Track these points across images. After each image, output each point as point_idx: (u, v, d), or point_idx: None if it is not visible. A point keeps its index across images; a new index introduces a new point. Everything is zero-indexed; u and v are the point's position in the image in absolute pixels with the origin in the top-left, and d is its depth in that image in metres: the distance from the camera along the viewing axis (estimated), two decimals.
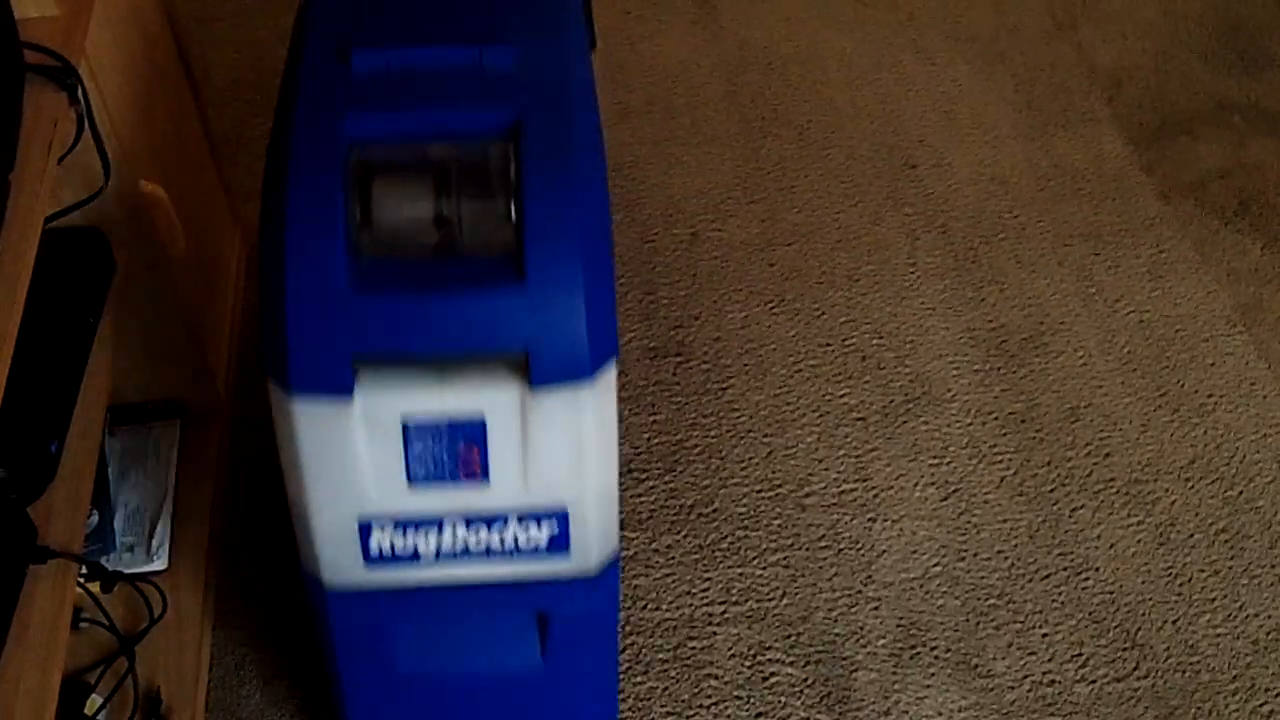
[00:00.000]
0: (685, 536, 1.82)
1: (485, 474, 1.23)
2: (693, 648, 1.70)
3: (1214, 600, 1.76)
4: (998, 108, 2.51)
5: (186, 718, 1.56)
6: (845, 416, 1.97)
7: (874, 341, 2.08)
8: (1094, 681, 1.67)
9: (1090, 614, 1.74)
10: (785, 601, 1.75)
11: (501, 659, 1.45)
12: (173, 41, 1.87)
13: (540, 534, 1.29)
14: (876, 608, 1.74)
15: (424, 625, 1.42)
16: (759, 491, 1.87)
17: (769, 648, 1.70)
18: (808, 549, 1.80)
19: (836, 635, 1.72)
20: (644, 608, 1.74)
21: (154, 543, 1.68)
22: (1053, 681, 1.67)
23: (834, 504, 1.86)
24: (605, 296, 1.18)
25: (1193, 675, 1.68)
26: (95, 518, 1.65)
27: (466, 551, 1.29)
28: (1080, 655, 1.70)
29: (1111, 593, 1.76)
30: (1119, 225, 2.28)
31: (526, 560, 1.31)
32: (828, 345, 2.07)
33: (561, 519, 1.28)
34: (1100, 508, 1.86)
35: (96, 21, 1.42)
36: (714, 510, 1.85)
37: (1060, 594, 1.76)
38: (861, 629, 1.72)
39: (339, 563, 1.29)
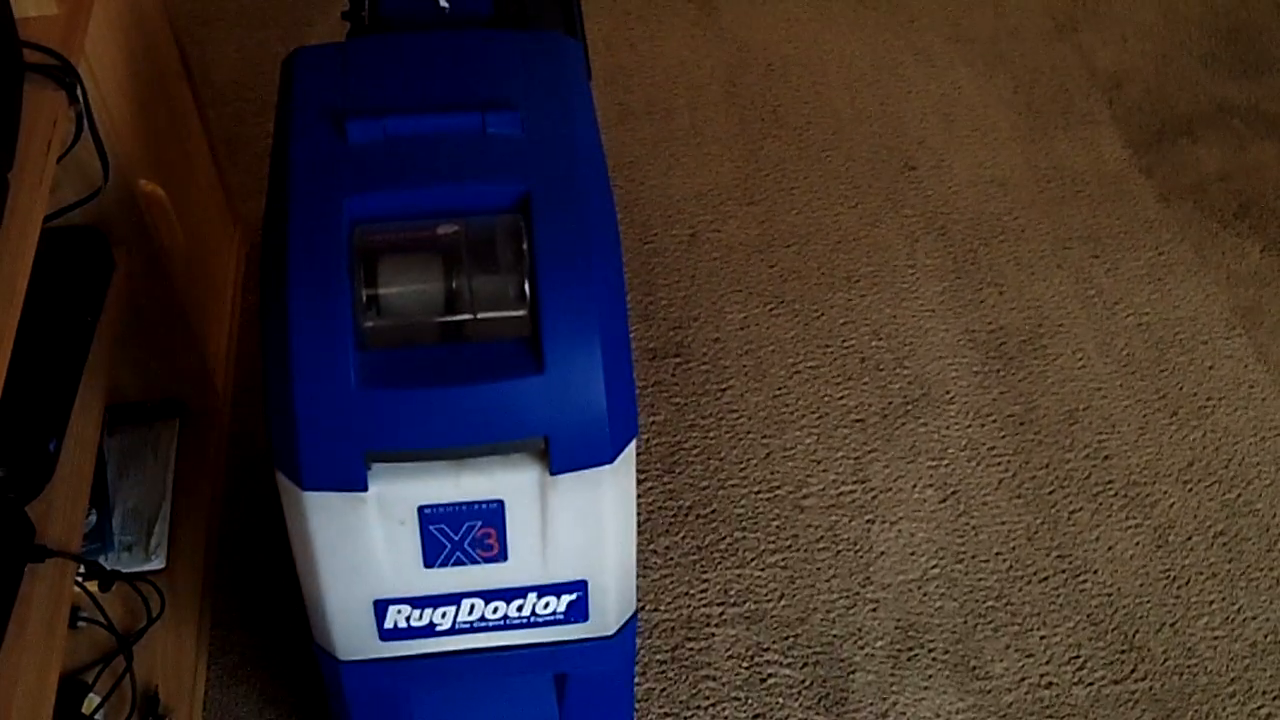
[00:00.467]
0: (683, 537, 1.82)
1: (504, 554, 1.21)
2: (690, 649, 1.70)
3: (1212, 603, 1.76)
4: (997, 110, 2.51)
5: (184, 717, 1.56)
6: (844, 418, 1.97)
7: (873, 343, 2.08)
8: (1092, 684, 1.67)
9: (1088, 616, 1.74)
10: (783, 603, 1.75)
11: (518, 715, 1.44)
12: (172, 41, 1.87)
13: (559, 604, 1.27)
14: (874, 609, 1.74)
15: (440, 692, 1.40)
16: (757, 493, 1.87)
17: (767, 649, 1.70)
18: (806, 550, 1.80)
19: (834, 637, 1.72)
20: (641, 608, 1.74)
21: (152, 542, 1.68)
22: (1050, 684, 1.67)
23: (832, 505, 1.86)
24: (625, 377, 1.14)
25: (1190, 678, 1.68)
26: (94, 517, 1.65)
27: (484, 622, 1.27)
28: (1078, 657, 1.70)
29: (1109, 595, 1.77)
30: (1118, 228, 2.28)
31: (545, 628, 1.29)
32: (827, 347, 2.07)
33: (580, 589, 1.26)
34: (1099, 510, 1.86)
35: (96, 21, 1.42)
36: (712, 511, 1.85)
37: (1058, 596, 1.76)
38: (859, 630, 1.72)
39: (353, 639, 1.27)
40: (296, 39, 2.63)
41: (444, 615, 1.26)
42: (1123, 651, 1.71)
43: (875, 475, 1.90)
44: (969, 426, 1.96)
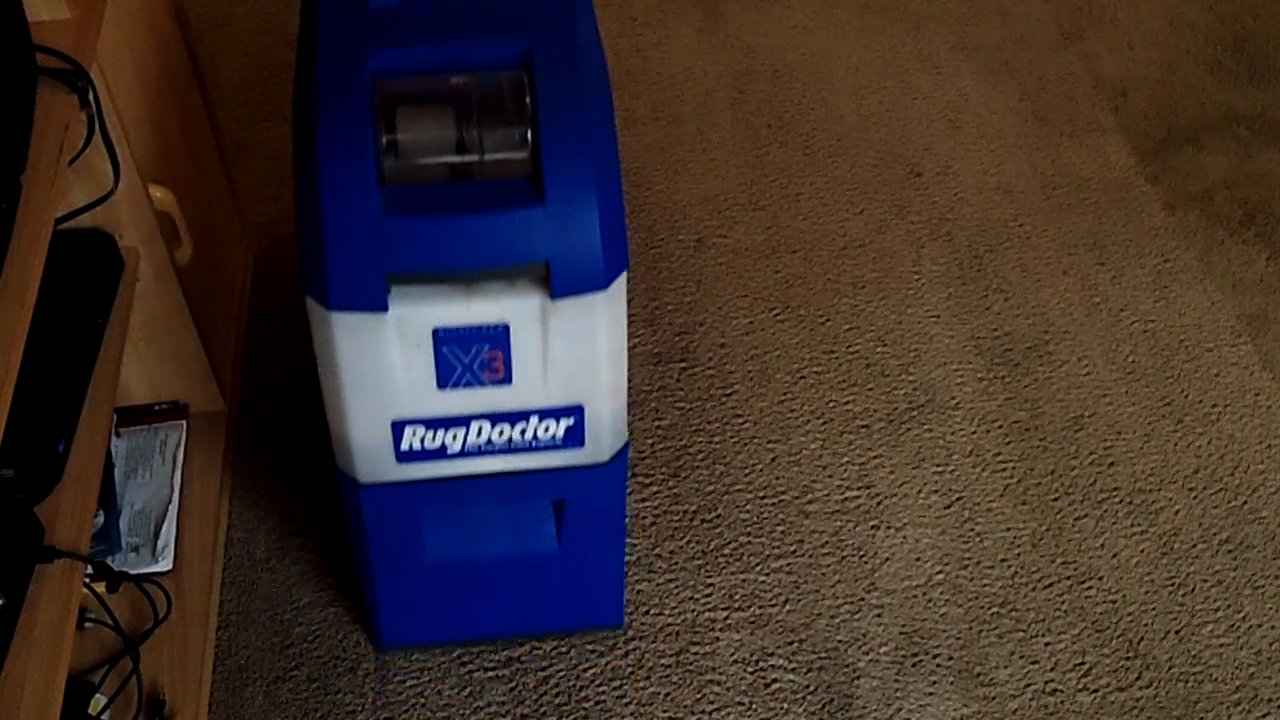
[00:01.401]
0: (688, 542, 1.82)
1: (509, 377, 1.35)
2: (695, 653, 1.70)
3: (1217, 610, 1.76)
4: (1003, 117, 2.52)
5: (190, 718, 1.56)
6: (849, 424, 1.97)
7: (878, 349, 2.08)
8: (1096, 691, 1.68)
9: (1093, 623, 1.74)
10: (788, 608, 1.75)
11: (521, 545, 1.59)
12: (183, 45, 1.88)
13: (558, 428, 1.41)
14: (879, 615, 1.75)
15: (450, 515, 1.55)
16: (762, 498, 1.87)
17: (771, 654, 1.71)
18: (810, 556, 1.81)
19: (839, 642, 1.72)
20: (646, 613, 1.74)
21: (159, 543, 1.68)
22: (1055, 690, 1.68)
23: (837, 511, 1.86)
24: (617, 213, 1.29)
25: (1195, 685, 1.68)
26: (101, 518, 1.66)
27: (490, 445, 1.41)
28: (1083, 664, 1.70)
29: (1114, 602, 1.77)
30: (1124, 235, 2.28)
31: (545, 452, 1.43)
32: (832, 352, 2.07)
33: (578, 414, 1.40)
34: (1104, 517, 1.86)
35: (108, 25, 1.42)
36: (717, 516, 1.85)
37: (1063, 603, 1.76)
38: (864, 636, 1.72)
39: (373, 461, 1.41)
40: None
41: (455, 437, 1.39)
42: (1128, 659, 1.71)
43: (880, 481, 1.90)
44: (974, 433, 1.96)
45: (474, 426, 1.39)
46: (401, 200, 1.23)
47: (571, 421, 1.40)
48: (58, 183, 1.25)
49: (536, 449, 1.42)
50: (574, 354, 1.34)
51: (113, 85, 1.45)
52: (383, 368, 1.31)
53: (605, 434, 1.43)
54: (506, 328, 1.30)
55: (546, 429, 1.40)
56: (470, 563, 1.60)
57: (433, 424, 1.37)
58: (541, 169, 1.24)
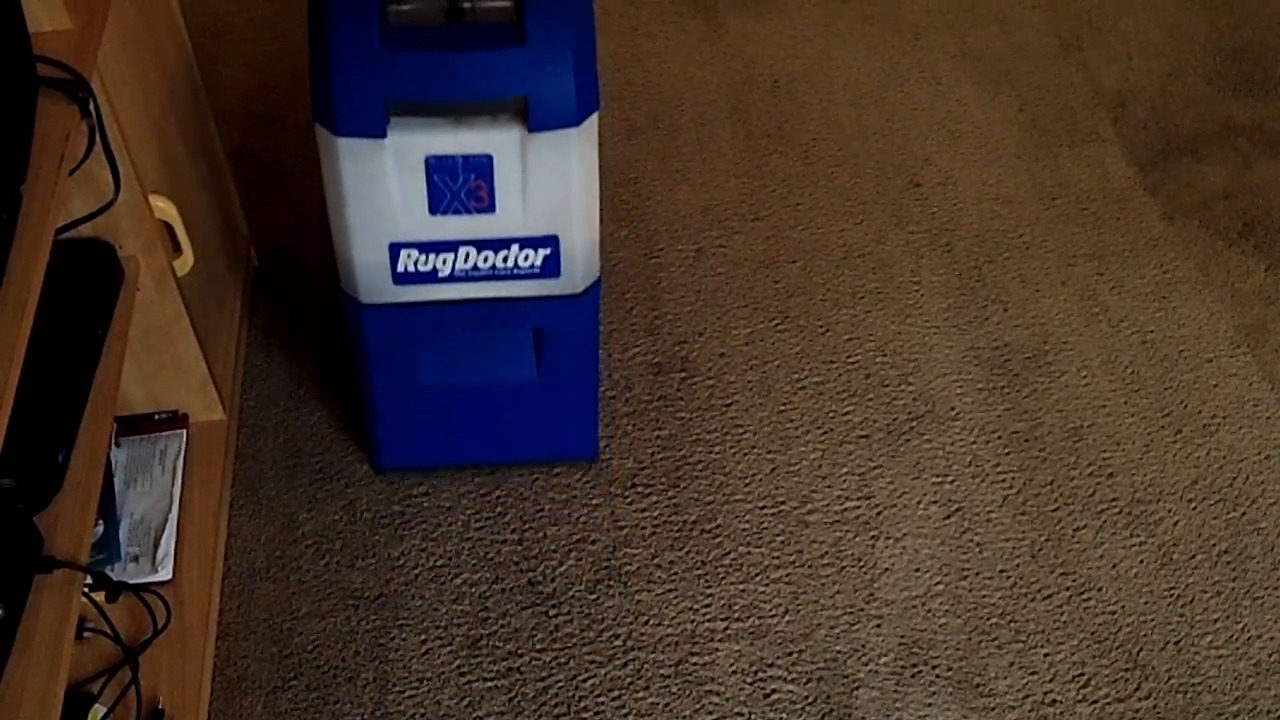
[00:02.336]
0: (688, 552, 1.82)
1: (492, 205, 1.53)
2: (694, 664, 1.70)
3: (1216, 622, 1.76)
4: (1003, 127, 2.52)
5: None
6: (848, 434, 1.97)
7: (878, 359, 2.08)
8: (1095, 702, 1.68)
9: (1092, 634, 1.74)
10: (787, 619, 1.75)
11: (504, 371, 1.78)
12: (185, 54, 1.88)
13: (536, 257, 1.59)
14: (878, 626, 1.75)
15: (442, 341, 1.73)
16: (762, 508, 1.87)
17: (770, 665, 1.71)
18: (810, 566, 1.81)
19: (838, 653, 1.72)
20: (646, 623, 1.74)
21: (159, 553, 1.68)
22: (1054, 701, 1.67)
23: (836, 521, 1.86)
24: (589, 58, 1.46)
25: (1194, 696, 1.68)
26: (101, 528, 1.66)
27: (476, 271, 1.60)
28: (1082, 675, 1.70)
29: (1113, 613, 1.77)
30: (1123, 245, 2.28)
31: (525, 281, 1.62)
32: (831, 362, 2.07)
33: (554, 244, 1.58)
34: (1103, 528, 1.86)
35: (109, 35, 1.43)
36: (716, 526, 1.85)
37: (1062, 614, 1.76)
38: (863, 647, 1.72)
39: (373, 282, 1.61)
40: (305, 53, 2.64)
41: (445, 261, 1.58)
42: (1127, 670, 1.71)
43: (880, 491, 1.90)
44: (973, 443, 1.96)
45: (461, 252, 1.57)
46: (400, 39, 1.42)
47: (549, 251, 1.59)
48: (58, 193, 1.25)
49: (517, 276, 1.61)
50: (550, 186, 1.52)
51: (113, 95, 1.45)
52: (381, 192, 1.50)
53: (579, 266, 1.62)
54: (490, 158, 1.48)
55: (526, 257, 1.59)
56: (460, 387, 1.79)
57: (425, 248, 1.56)
58: (523, 15, 1.42)
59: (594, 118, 1.49)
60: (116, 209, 1.48)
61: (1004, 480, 1.92)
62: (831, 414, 2.00)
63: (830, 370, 2.06)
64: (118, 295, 1.55)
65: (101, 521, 1.66)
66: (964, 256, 2.25)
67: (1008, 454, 1.95)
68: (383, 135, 1.44)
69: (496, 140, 1.47)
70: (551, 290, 1.64)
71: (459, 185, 1.51)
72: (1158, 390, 2.05)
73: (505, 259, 1.59)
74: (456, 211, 1.53)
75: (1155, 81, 2.64)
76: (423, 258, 1.58)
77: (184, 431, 1.82)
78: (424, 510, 1.86)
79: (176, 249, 1.68)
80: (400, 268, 1.58)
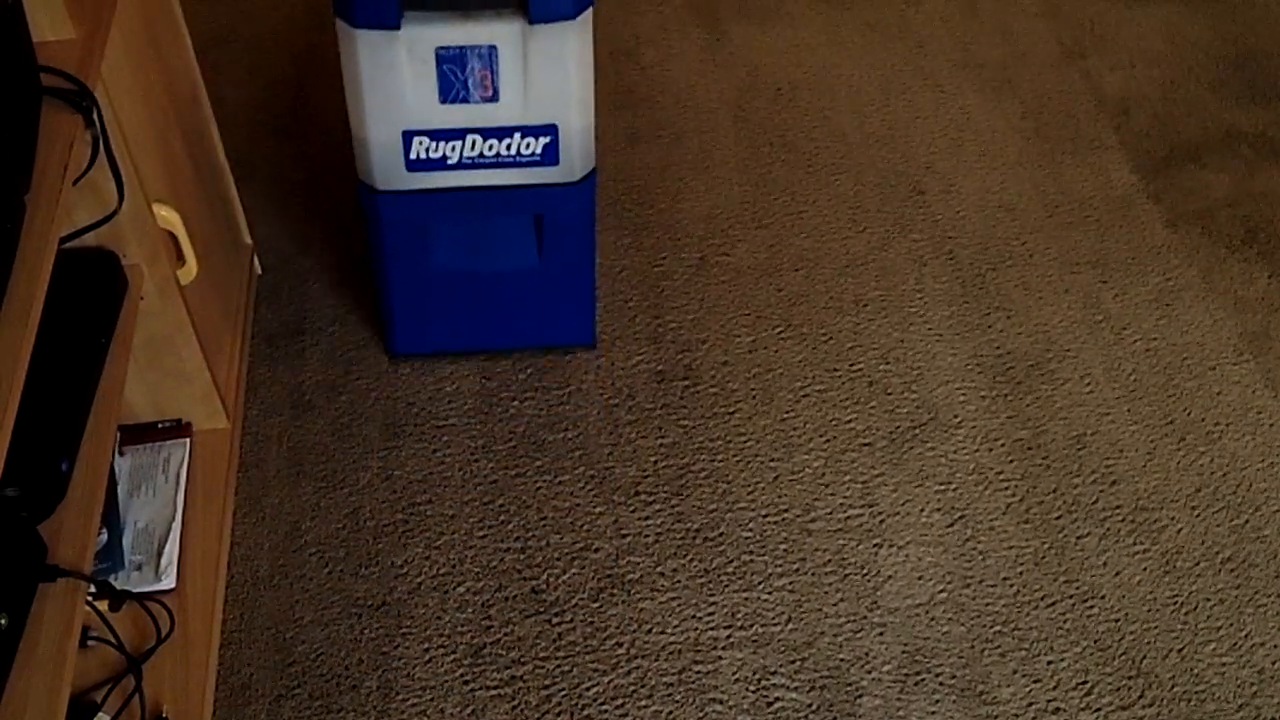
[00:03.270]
0: (691, 560, 1.82)
1: (496, 95, 1.70)
2: (698, 672, 1.70)
3: (1220, 629, 1.76)
4: (1006, 135, 2.52)
5: None
6: (852, 442, 1.97)
7: (881, 367, 2.08)
8: (1099, 709, 1.67)
9: (1095, 642, 1.74)
10: (790, 626, 1.75)
11: (509, 258, 1.94)
12: (189, 63, 1.89)
13: (537, 145, 1.76)
14: (882, 633, 1.74)
15: (451, 227, 1.91)
16: (765, 516, 1.87)
17: (774, 673, 1.70)
18: (813, 574, 1.81)
19: (841, 661, 1.72)
20: (649, 631, 1.74)
21: (162, 561, 1.68)
22: (1057, 709, 1.67)
23: (840, 529, 1.86)
24: None
25: (1198, 704, 1.68)
26: (104, 536, 1.66)
27: (482, 159, 1.77)
28: (1085, 683, 1.70)
29: (1117, 620, 1.76)
30: (1126, 253, 2.28)
31: (527, 169, 1.79)
32: (835, 370, 2.07)
33: (553, 133, 1.75)
34: (1106, 535, 1.86)
35: (113, 44, 1.43)
36: (720, 534, 1.85)
37: (1065, 621, 1.76)
38: (867, 655, 1.72)
39: (388, 169, 1.78)
40: (308, 61, 2.65)
41: (453, 148, 1.75)
42: (1130, 677, 1.71)
43: (883, 499, 1.90)
44: (977, 451, 1.96)
45: (468, 139, 1.74)
46: None
47: (548, 140, 1.75)
48: (62, 202, 1.26)
49: (520, 164, 1.78)
50: (549, 75, 1.68)
51: (117, 105, 1.45)
52: (395, 82, 1.67)
53: (576, 154, 1.79)
54: (495, 49, 1.65)
55: (528, 145, 1.76)
56: (468, 274, 1.96)
57: (436, 135, 1.73)
58: None
59: (589, 12, 1.66)
60: (120, 218, 1.49)
61: (1007, 488, 1.92)
62: (834, 422, 2.00)
63: (833, 378, 2.06)
64: (121, 304, 1.55)
65: (105, 530, 1.66)
66: (967, 264, 2.25)
67: (1011, 462, 1.95)
68: (397, 27, 1.62)
69: (501, 32, 1.63)
70: (551, 178, 1.81)
71: (466, 75, 1.67)
72: (1161, 398, 2.04)
73: (509, 146, 1.76)
74: (464, 100, 1.70)
75: (1158, 89, 2.64)
76: (433, 145, 1.75)
77: (187, 440, 1.82)
78: (427, 518, 1.86)
79: (180, 258, 1.69)
80: (413, 154, 1.76)
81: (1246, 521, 1.88)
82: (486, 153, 1.77)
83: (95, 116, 1.35)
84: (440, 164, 1.77)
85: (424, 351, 2.08)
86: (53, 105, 1.32)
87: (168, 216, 1.63)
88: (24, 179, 1.22)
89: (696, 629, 1.75)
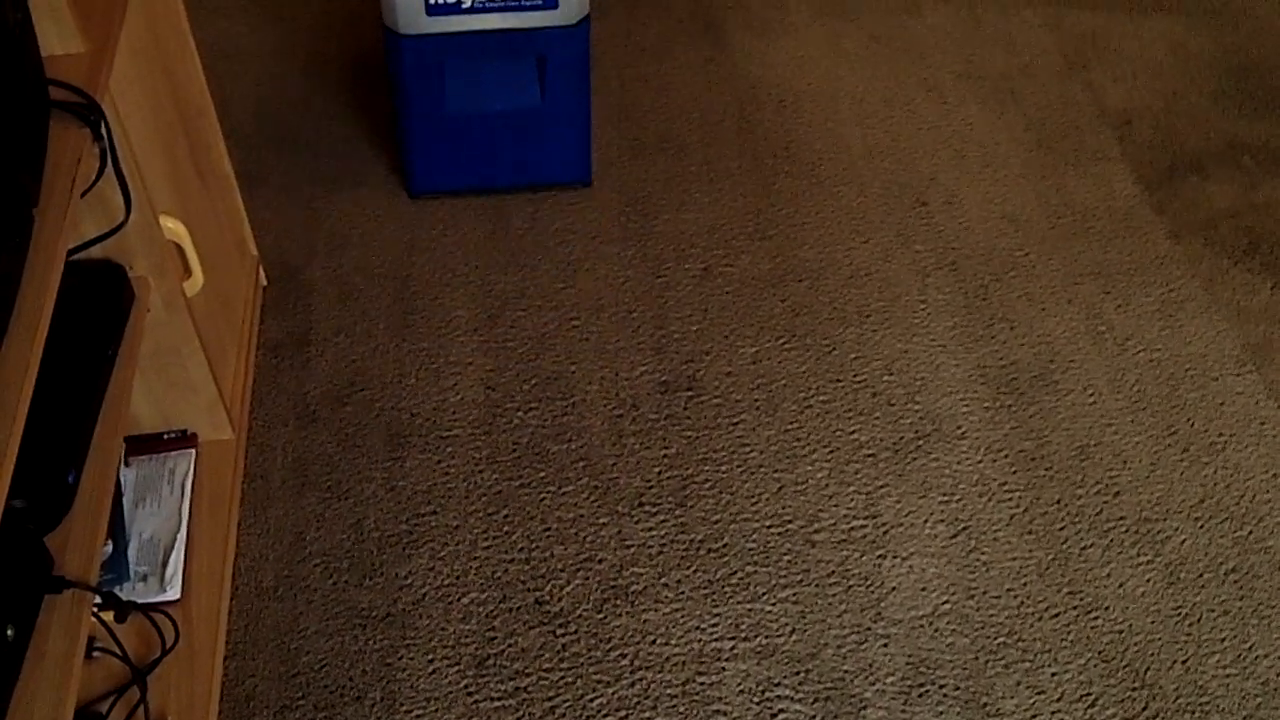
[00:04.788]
0: (695, 571, 1.82)
1: None
2: (701, 683, 1.70)
3: (1224, 640, 1.76)
4: (1009, 146, 2.53)
5: None
6: (855, 453, 1.98)
7: (884, 378, 2.08)
8: None
9: (1099, 653, 1.74)
10: (794, 638, 1.75)
11: (515, 99, 2.26)
12: (196, 76, 1.89)
13: None
14: (886, 645, 1.75)
15: (464, 70, 2.19)
16: (769, 527, 1.88)
17: (778, 684, 1.71)
18: (817, 585, 1.81)
19: (845, 672, 1.72)
20: (653, 642, 1.74)
21: (167, 572, 1.69)
22: None
23: (844, 540, 1.86)
24: None
25: (1202, 716, 1.68)
26: (110, 547, 1.67)
27: (491, 3, 2.09)
28: (1089, 695, 1.70)
29: (1121, 632, 1.77)
30: (1129, 264, 2.29)
31: (529, 13, 2.11)
32: (838, 381, 2.08)
33: None
34: (1110, 546, 1.86)
35: (121, 58, 1.44)
36: (724, 545, 1.85)
37: (1069, 633, 1.76)
38: (871, 666, 1.72)
39: (410, 14, 2.09)
40: (316, 74, 2.66)
41: None
42: (1134, 689, 1.71)
43: (887, 510, 1.90)
44: (980, 462, 1.97)
45: None
46: None
47: None
48: (70, 216, 1.26)
49: (524, 8, 2.10)
50: None
51: (125, 117, 1.46)
52: None
53: (573, 2, 2.11)
54: None
55: None
56: (479, 115, 2.25)
57: None
58: None
59: None
60: (127, 231, 1.49)
61: (1011, 499, 1.92)
62: (838, 433, 2.00)
63: (837, 389, 2.07)
64: (128, 316, 1.55)
65: (110, 541, 1.66)
66: (970, 275, 2.26)
67: (1014, 473, 1.95)
68: None
69: None
70: (551, 21, 2.12)
71: None
72: (1164, 409, 2.05)
73: None
74: None
75: (1160, 100, 2.65)
76: None
77: (193, 451, 1.83)
78: (431, 529, 1.86)
79: (186, 270, 1.69)
80: (431, 0, 2.08)
81: (1250, 533, 1.88)
82: None
83: (103, 130, 1.36)
84: (455, 8, 2.08)
85: (440, 189, 2.38)
86: (61, 119, 1.32)
87: (174, 229, 1.63)
88: (33, 193, 1.22)
89: (700, 640, 1.75)
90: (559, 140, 2.32)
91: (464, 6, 2.07)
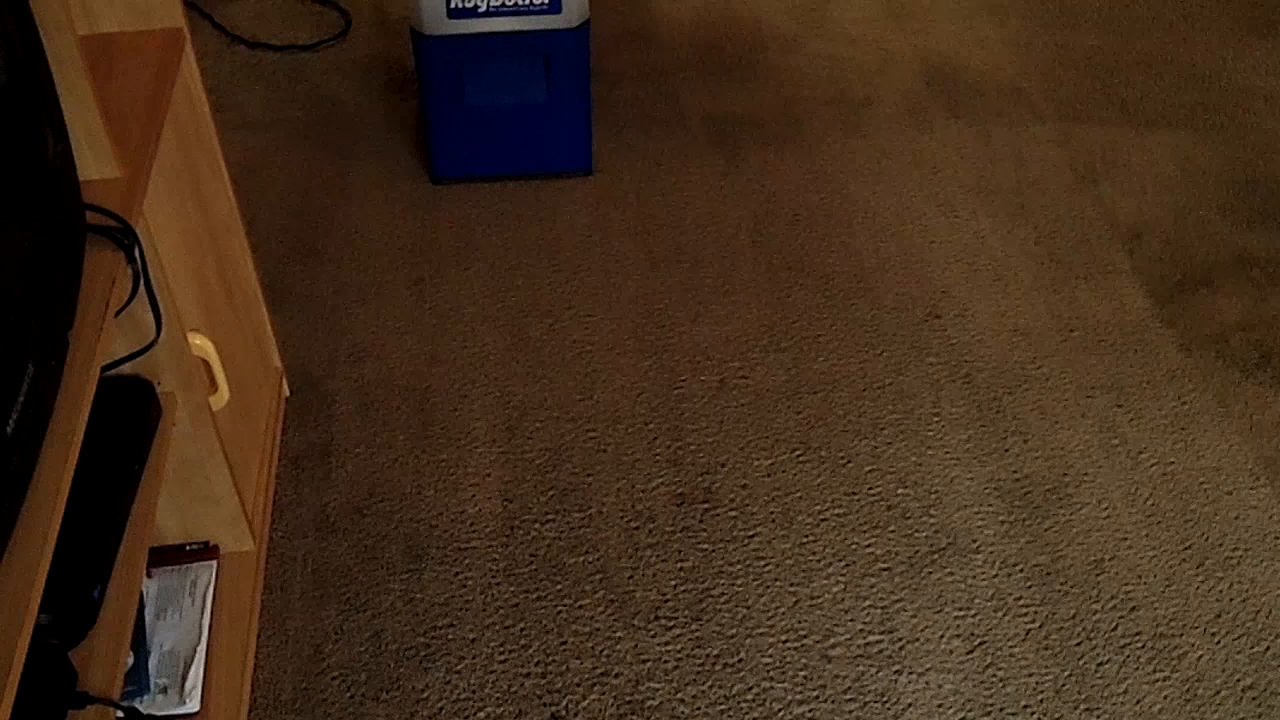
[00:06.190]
0: (711, 686, 1.82)
1: None
2: None
3: None
4: (1020, 259, 2.56)
5: None
6: (871, 566, 1.98)
7: (899, 491, 2.10)
8: None
9: None
10: None
11: (525, 94, 2.63)
12: (224, 193, 1.94)
13: None
14: None
15: (481, 68, 2.57)
16: (785, 641, 1.88)
17: None
18: (833, 701, 1.81)
19: None
20: None
21: (187, 685, 1.70)
22: None
23: (860, 655, 1.86)
24: None
25: None
26: (131, 659, 1.68)
27: (504, 7, 2.46)
28: None
29: None
30: (1141, 377, 2.31)
31: (537, 16, 2.48)
32: (853, 494, 2.09)
33: None
34: (1126, 662, 1.86)
35: (154, 182, 1.48)
36: (740, 660, 1.86)
37: None
38: None
39: (434, 16, 2.47)
40: (339, 191, 2.72)
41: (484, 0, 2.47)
42: None
43: (902, 625, 1.90)
44: (995, 576, 1.97)
45: None
46: None
47: None
48: (104, 337, 1.30)
49: (532, 13, 2.47)
50: None
51: (157, 239, 1.50)
52: None
53: (574, 5, 2.47)
54: None
55: None
56: (493, 108, 2.64)
57: None
58: None
59: None
60: (156, 349, 1.53)
61: (1026, 614, 1.92)
62: (853, 546, 2.01)
63: (852, 502, 2.08)
64: (155, 431, 1.58)
65: (131, 653, 1.68)
66: (983, 388, 2.28)
67: (1030, 587, 1.96)
68: None
69: None
70: (555, 24, 2.49)
71: None
72: (1178, 523, 2.05)
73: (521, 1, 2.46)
74: None
75: (1170, 214, 2.69)
76: None
77: (214, 563, 1.85)
78: (448, 642, 1.87)
79: (212, 384, 1.72)
80: (452, 3, 2.44)
81: (1267, 649, 1.88)
82: (507, 3, 2.45)
83: (136, 253, 1.40)
84: (472, 13, 2.45)
85: (458, 176, 2.73)
86: (96, 242, 1.36)
87: (202, 345, 1.67)
88: (68, 317, 1.26)
89: None
90: (562, 131, 2.68)
91: (480, 10, 2.43)
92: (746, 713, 1.79)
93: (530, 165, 2.73)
